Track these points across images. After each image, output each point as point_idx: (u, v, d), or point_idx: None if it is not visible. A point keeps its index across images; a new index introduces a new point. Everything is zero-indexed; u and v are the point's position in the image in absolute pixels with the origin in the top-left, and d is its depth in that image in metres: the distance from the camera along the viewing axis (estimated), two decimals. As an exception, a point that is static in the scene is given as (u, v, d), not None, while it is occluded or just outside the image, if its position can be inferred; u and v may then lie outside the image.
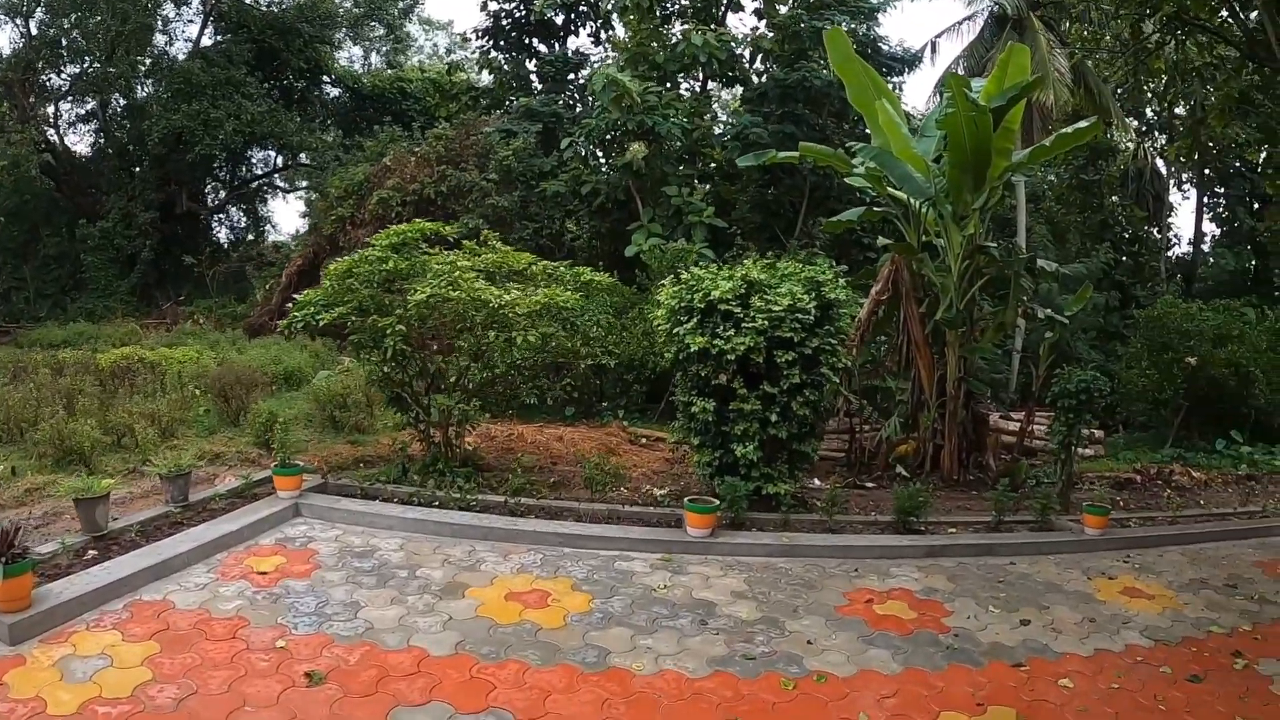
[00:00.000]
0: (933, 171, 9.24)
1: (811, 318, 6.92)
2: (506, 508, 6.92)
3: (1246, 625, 5.80)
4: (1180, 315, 15.21)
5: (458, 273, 7.27)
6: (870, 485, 8.63)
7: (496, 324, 7.47)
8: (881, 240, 10.78)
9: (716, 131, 17.57)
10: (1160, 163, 23.01)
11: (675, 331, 7.17)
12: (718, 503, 6.66)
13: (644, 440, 10.44)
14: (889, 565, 6.43)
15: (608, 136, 14.69)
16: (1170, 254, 23.85)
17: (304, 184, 30.30)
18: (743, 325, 6.85)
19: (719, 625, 5.18)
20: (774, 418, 6.90)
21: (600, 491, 7.51)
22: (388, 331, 7.04)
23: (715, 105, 21.48)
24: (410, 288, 7.36)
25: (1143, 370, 14.79)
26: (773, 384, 6.90)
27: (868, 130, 10.32)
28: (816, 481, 8.59)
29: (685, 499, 6.80)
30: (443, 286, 7.10)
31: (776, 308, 6.84)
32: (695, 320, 6.99)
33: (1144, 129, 22.79)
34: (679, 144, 14.75)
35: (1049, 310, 9.93)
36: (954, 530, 7.19)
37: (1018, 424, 10.99)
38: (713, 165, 16.69)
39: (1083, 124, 8.79)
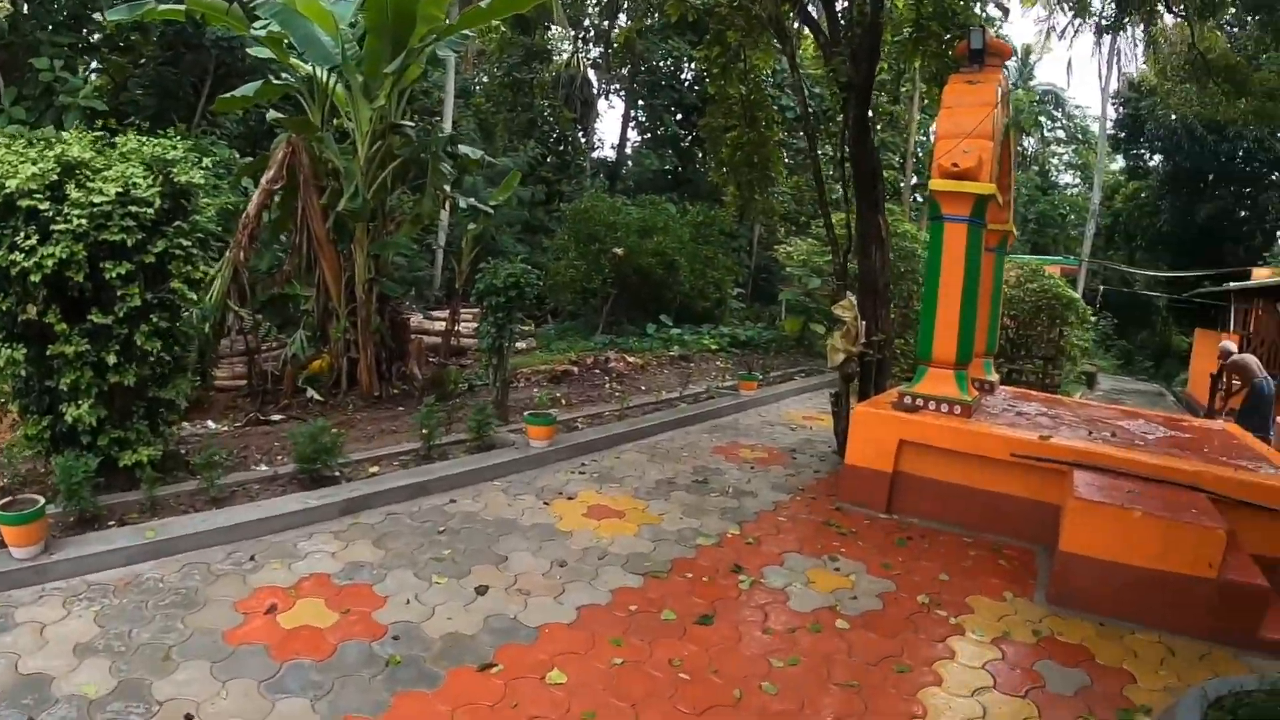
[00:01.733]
0: (344, 36, 7.70)
1: (153, 211, 4.96)
2: None
3: (733, 528, 5.52)
4: (607, 209, 16.47)
5: None
6: (278, 418, 7.10)
7: None
8: (273, 116, 8.87)
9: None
10: (592, 72, 24.91)
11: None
12: (43, 501, 4.37)
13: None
14: (297, 540, 4.81)
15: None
16: (596, 155, 26.06)
17: None
18: (54, 229, 4.63)
19: (56, 726, 3.09)
20: (113, 359, 4.88)
21: None
22: None
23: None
24: None
25: (571, 261, 15.70)
26: (105, 311, 4.86)
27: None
28: (212, 424, 6.80)
29: (-3, 504, 4.33)
30: None
31: (101, 199, 4.73)
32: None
33: (581, 37, 24.21)
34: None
35: (472, 200, 9.33)
36: (376, 470, 5.94)
37: (443, 324, 10.37)
38: (102, 34, 12.58)
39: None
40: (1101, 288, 26.85)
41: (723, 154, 9.45)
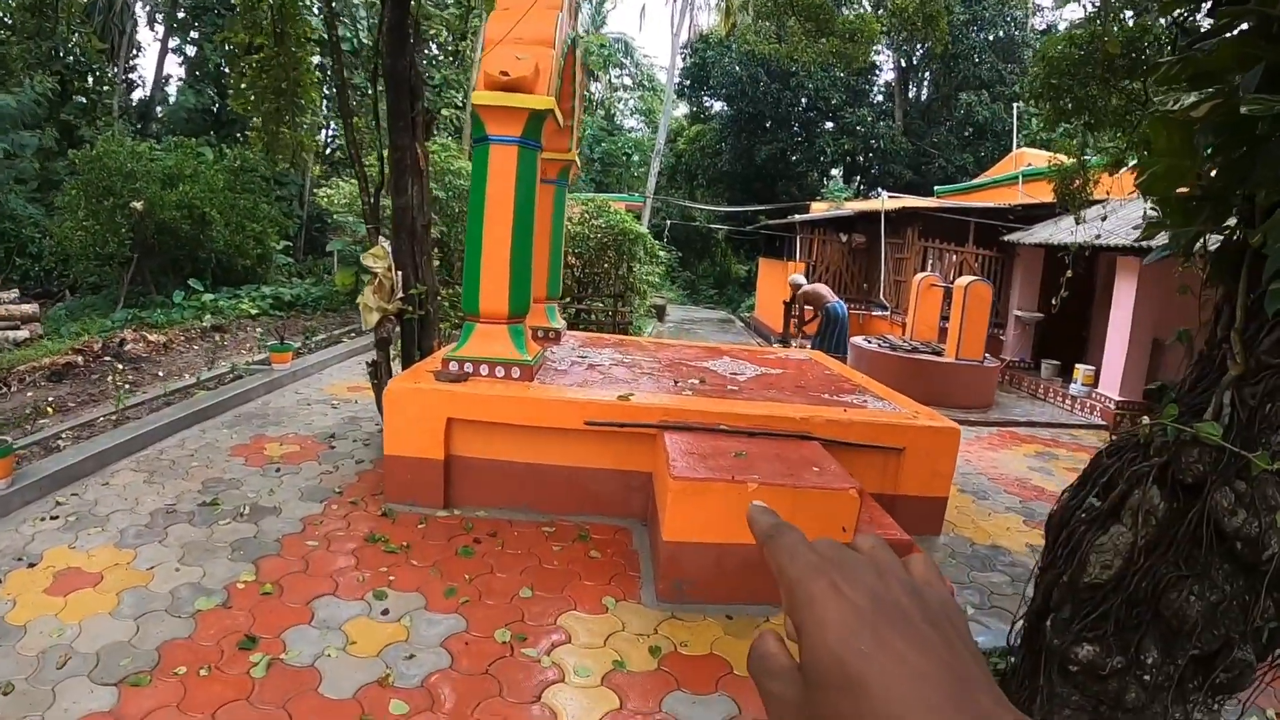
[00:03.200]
0: None
1: None
2: None
3: (247, 572, 4.14)
4: (126, 155, 13.36)
5: None
6: None
7: None
8: None
9: None
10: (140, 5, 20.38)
11: None
12: None
13: None
14: None
15: None
16: (135, 95, 21.91)
17: None
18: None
19: None
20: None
21: None
22: None
23: None
24: None
25: (80, 221, 12.55)
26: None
27: None
28: None
29: None
30: None
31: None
32: None
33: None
34: None
35: None
36: None
37: None
38: None
39: None
40: (668, 223, 29.73)
41: (246, 77, 7.70)
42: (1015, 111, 21.27)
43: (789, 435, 4.95)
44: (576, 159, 7.22)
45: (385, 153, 6.18)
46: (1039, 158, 14.23)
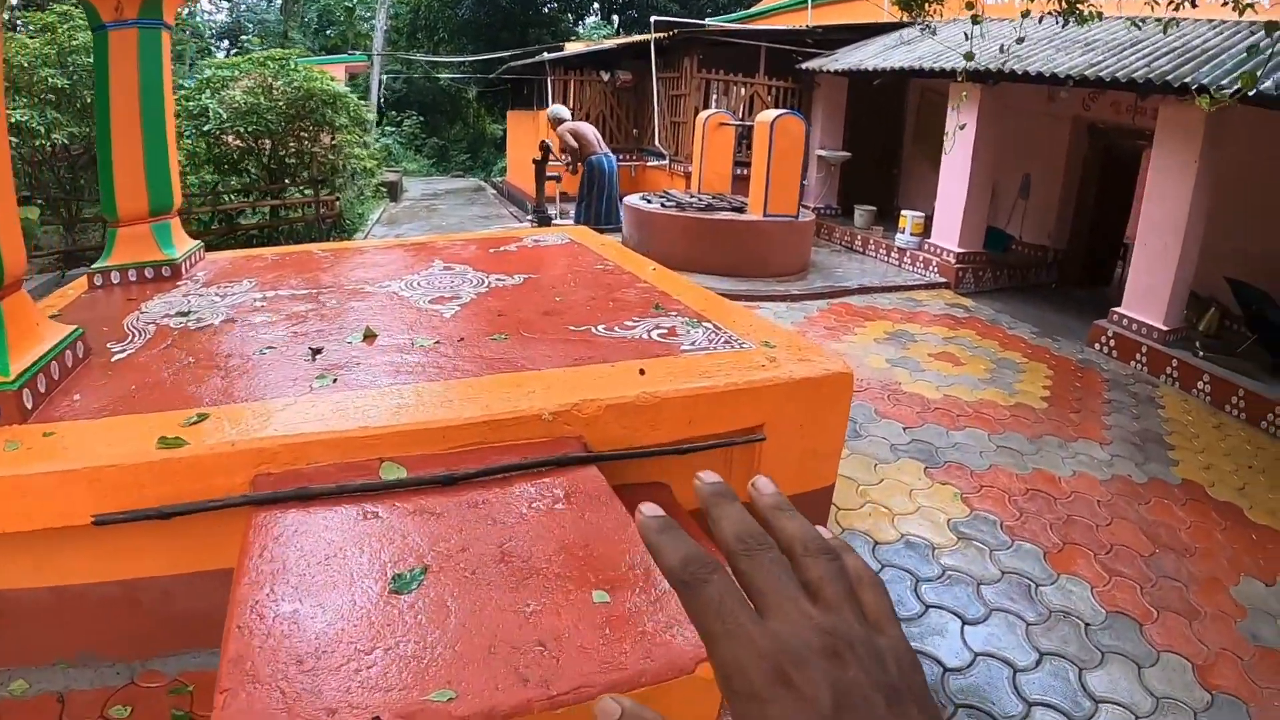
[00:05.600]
0: None
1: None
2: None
3: None
4: None
5: None
6: None
7: None
8: None
9: None
10: None
11: None
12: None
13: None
14: None
15: None
16: None
17: None
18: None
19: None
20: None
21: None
22: None
23: None
24: None
25: None
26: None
27: None
28: None
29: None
30: None
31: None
32: None
33: None
34: None
35: None
36: None
37: None
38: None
39: None
40: (403, 83, 24.88)
41: None
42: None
43: (531, 466, 2.07)
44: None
45: None
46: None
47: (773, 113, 8.15)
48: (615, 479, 2.17)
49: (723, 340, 3.04)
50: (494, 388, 2.44)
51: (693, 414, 2.57)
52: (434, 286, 3.72)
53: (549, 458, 2.14)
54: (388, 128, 23.34)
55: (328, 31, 28.48)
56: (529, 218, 10.46)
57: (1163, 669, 3.02)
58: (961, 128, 7.70)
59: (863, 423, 4.86)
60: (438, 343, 2.92)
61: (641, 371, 2.64)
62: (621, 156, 12.65)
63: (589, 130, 8.80)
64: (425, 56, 25.29)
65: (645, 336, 3.06)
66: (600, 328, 3.14)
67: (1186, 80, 5.65)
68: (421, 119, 24.45)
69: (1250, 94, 4.55)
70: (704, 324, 3.20)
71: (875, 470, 4.29)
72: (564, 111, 9.06)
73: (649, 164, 12.45)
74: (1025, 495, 4.21)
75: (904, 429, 4.84)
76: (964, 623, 3.18)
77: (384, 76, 24.76)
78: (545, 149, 8.86)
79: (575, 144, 8.58)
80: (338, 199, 11.36)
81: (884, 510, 3.91)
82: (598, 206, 8.45)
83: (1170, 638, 3.20)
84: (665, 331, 3.12)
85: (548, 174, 9.18)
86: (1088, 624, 3.23)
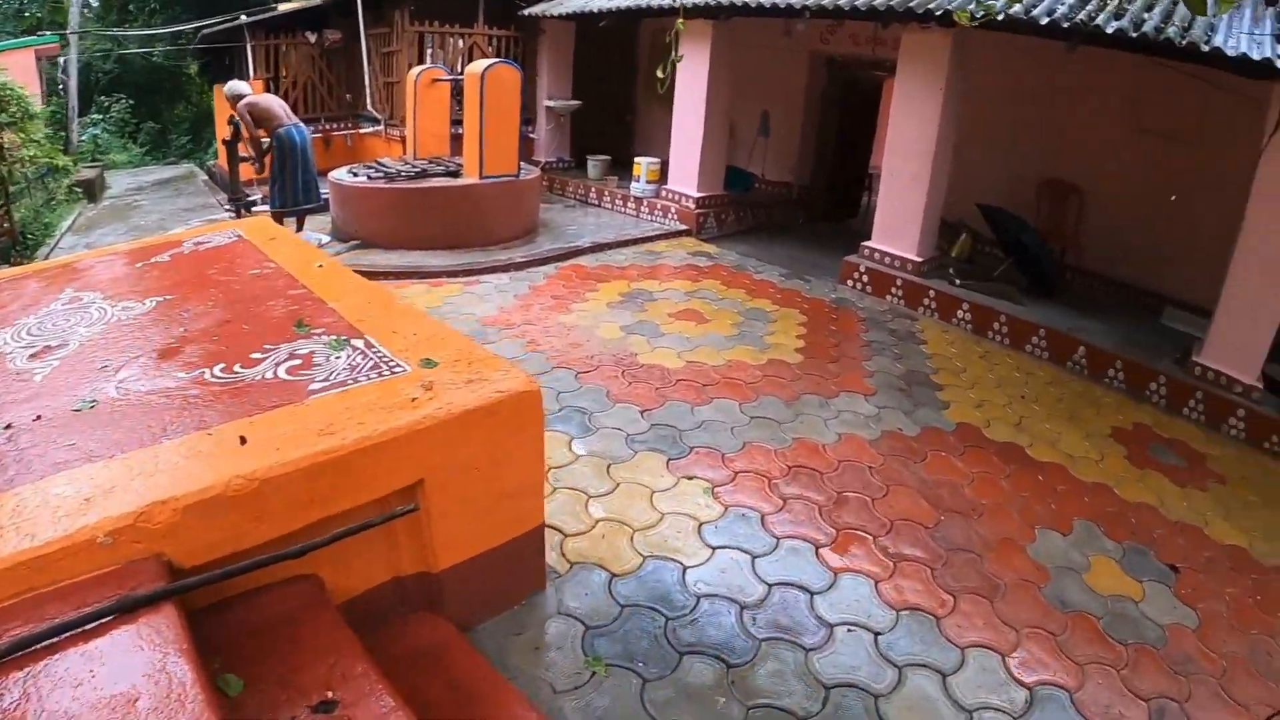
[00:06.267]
0: None
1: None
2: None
3: None
4: None
5: None
6: None
7: None
8: None
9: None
10: None
11: None
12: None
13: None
14: None
15: None
16: None
17: None
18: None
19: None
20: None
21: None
22: None
23: None
24: None
25: None
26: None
27: None
28: None
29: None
30: None
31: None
32: None
33: None
34: None
35: None
36: None
37: None
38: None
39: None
40: (114, 63, 21.41)
41: None
42: None
43: (59, 631, 1.28)
44: None
45: None
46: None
47: (483, 63, 7.29)
48: (243, 584, 1.69)
49: (369, 366, 2.32)
50: (54, 500, 1.64)
51: (313, 491, 1.84)
52: (44, 332, 2.68)
53: (103, 606, 1.35)
54: (94, 115, 20.06)
55: (25, 13, 23.91)
56: (226, 208, 8.99)
57: (970, 671, 2.63)
58: (679, 59, 7.22)
59: (593, 413, 4.23)
60: (8, 427, 1.98)
61: (242, 440, 1.88)
62: (335, 125, 11.29)
63: (275, 102, 7.52)
64: (131, 31, 21.84)
65: (270, 376, 2.28)
66: (217, 369, 2.32)
67: (931, 6, 5.42)
68: (132, 102, 21.20)
69: (999, 18, 4.31)
70: (352, 343, 2.45)
71: (609, 474, 3.64)
72: (243, 86, 7.68)
73: (364, 130, 11.17)
74: (787, 476, 3.73)
75: (642, 413, 4.26)
76: (729, 666, 2.59)
77: (88, 58, 21.24)
78: (235, 126, 7.49)
79: (253, 124, 7.30)
80: (7, 211, 9.24)
81: (622, 527, 3.24)
82: (293, 186, 7.25)
83: (973, 629, 2.82)
84: (299, 363, 2.35)
85: (240, 155, 7.80)
86: (877, 634, 2.76)
